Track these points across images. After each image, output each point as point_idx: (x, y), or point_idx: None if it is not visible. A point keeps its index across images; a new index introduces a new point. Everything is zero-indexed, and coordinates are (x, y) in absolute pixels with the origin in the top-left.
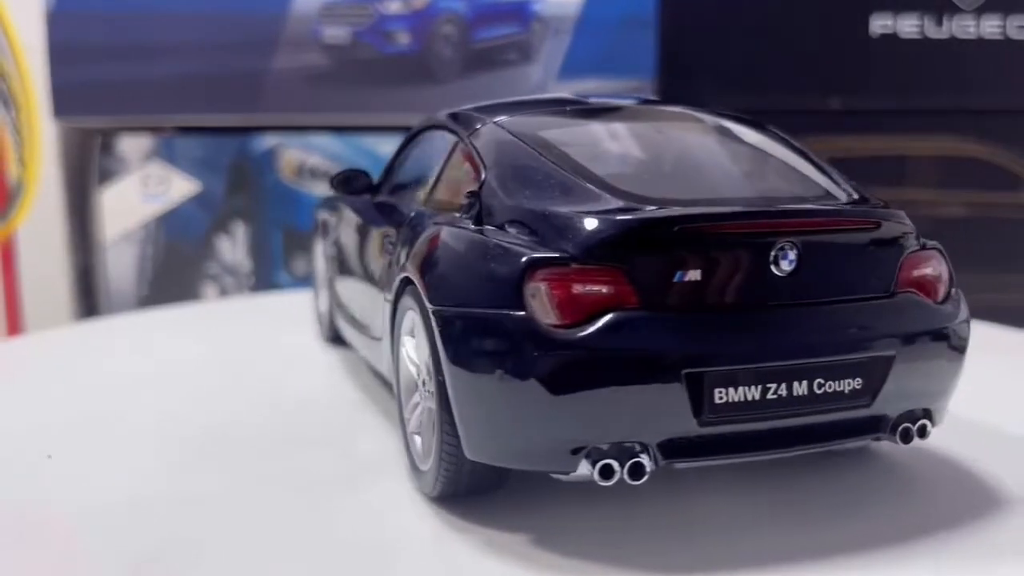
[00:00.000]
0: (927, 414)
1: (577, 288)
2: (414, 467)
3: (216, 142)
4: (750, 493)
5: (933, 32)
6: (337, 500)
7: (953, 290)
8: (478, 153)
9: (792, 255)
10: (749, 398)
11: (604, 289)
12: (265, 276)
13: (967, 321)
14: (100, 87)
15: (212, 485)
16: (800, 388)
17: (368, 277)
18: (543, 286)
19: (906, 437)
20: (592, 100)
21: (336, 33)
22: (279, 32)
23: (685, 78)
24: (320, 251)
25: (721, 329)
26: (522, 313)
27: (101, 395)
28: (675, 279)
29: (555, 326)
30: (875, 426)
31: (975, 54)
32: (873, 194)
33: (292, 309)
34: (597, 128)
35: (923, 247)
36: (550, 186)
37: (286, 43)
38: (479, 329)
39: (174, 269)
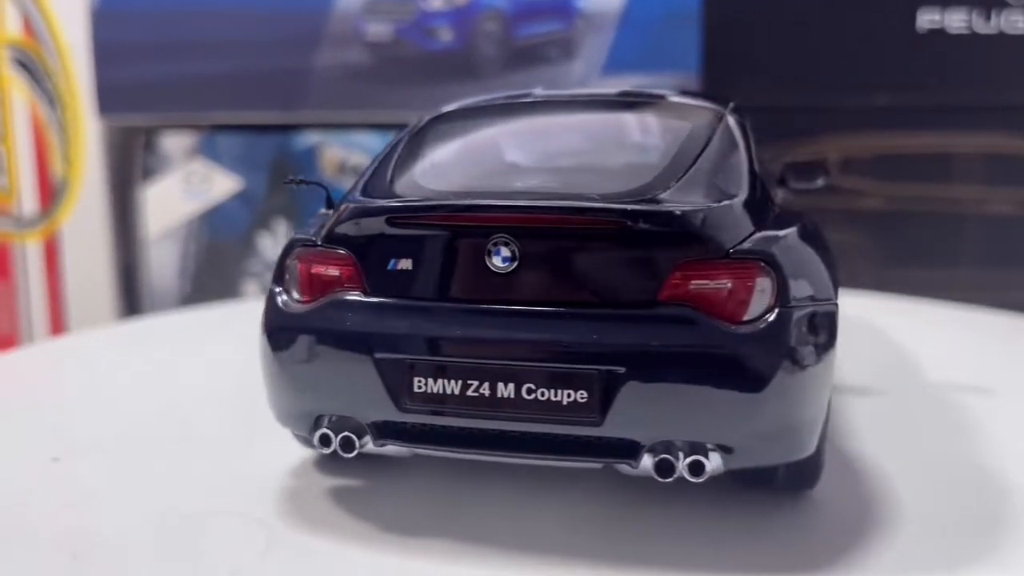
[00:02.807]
0: (702, 450)
1: (316, 269)
2: None
3: (258, 140)
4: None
5: (981, 27)
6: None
7: (772, 313)
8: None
9: (506, 251)
10: (449, 392)
11: (335, 271)
12: None
13: (781, 351)
14: (144, 85)
15: None
16: (506, 391)
17: None
18: (293, 264)
19: (663, 471)
20: (552, 95)
21: (378, 30)
22: (322, 29)
23: (729, 73)
24: None
25: (424, 319)
26: (280, 288)
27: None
28: (390, 267)
29: (298, 302)
30: (618, 451)
31: None
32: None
33: None
34: (505, 126)
35: (729, 257)
36: (364, 178)
37: (329, 40)
38: (267, 301)
39: (216, 267)
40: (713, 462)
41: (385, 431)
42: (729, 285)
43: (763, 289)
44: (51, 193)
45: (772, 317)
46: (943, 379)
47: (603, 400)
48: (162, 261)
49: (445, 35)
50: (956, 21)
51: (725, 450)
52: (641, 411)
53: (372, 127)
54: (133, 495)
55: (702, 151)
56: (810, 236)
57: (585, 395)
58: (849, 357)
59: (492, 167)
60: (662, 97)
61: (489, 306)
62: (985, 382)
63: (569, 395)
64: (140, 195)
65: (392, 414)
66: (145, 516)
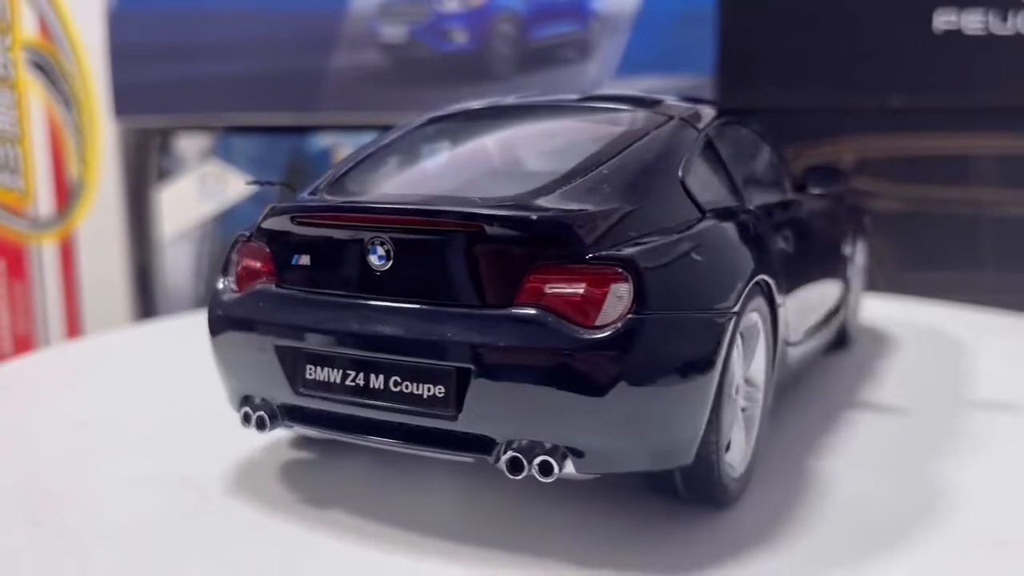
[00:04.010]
0: (554, 451)
1: (245, 262)
2: None
3: (272, 141)
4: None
5: (998, 28)
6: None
7: (625, 320)
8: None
9: (381, 250)
10: (331, 380)
11: (258, 264)
12: None
13: (629, 358)
14: (160, 87)
15: None
16: (376, 381)
17: None
18: (233, 257)
19: (514, 468)
20: (518, 102)
21: (393, 32)
22: (337, 31)
23: (744, 75)
24: None
25: (314, 311)
26: (222, 278)
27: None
28: (293, 262)
29: (232, 292)
30: (476, 446)
31: None
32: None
33: None
34: (459, 135)
35: (586, 262)
36: (322, 179)
37: (344, 42)
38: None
39: None
40: (564, 464)
41: (289, 413)
42: (582, 290)
43: (620, 295)
44: (67, 194)
45: (623, 323)
46: (987, 397)
47: (458, 396)
48: (177, 262)
49: (460, 37)
50: (973, 22)
51: (575, 453)
52: (492, 408)
53: (387, 129)
54: (107, 464)
55: (611, 159)
56: (719, 244)
57: (443, 390)
58: (895, 370)
59: (418, 174)
60: (624, 103)
61: (365, 301)
62: None
63: (428, 389)
64: (155, 196)
65: (291, 397)
66: (109, 482)
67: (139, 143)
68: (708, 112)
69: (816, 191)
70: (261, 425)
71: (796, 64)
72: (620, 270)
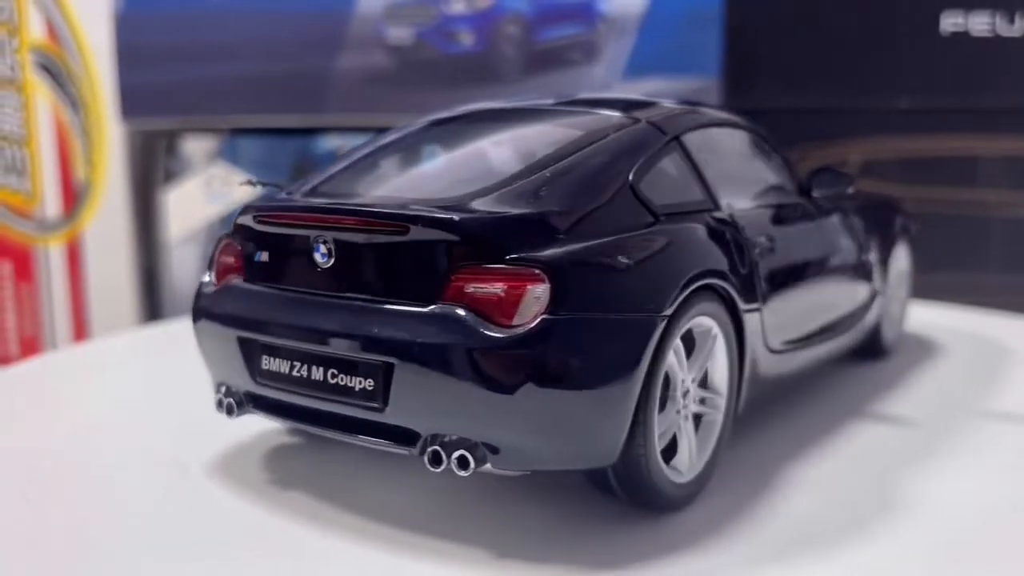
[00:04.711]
0: (471, 446)
1: (222, 258)
2: None
3: (279, 143)
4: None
5: (1005, 30)
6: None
7: (539, 320)
8: None
9: (323, 249)
10: (281, 371)
11: (231, 260)
12: None
13: (541, 357)
14: (167, 89)
15: None
16: (317, 373)
17: None
18: (215, 253)
19: (434, 462)
20: (498, 106)
21: (400, 33)
22: (343, 32)
23: (750, 76)
24: None
25: (270, 306)
26: (206, 272)
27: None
28: (256, 259)
29: (212, 285)
30: (404, 438)
31: None
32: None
33: None
34: (435, 140)
35: (506, 263)
36: (304, 181)
37: (350, 43)
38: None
39: None
40: (481, 460)
41: (252, 401)
42: (501, 290)
43: (538, 296)
44: (74, 196)
45: (536, 324)
46: (1010, 410)
47: (384, 389)
48: (184, 264)
49: (466, 39)
50: (980, 24)
51: (491, 449)
52: (413, 402)
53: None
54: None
55: (558, 162)
56: (657, 248)
57: (372, 383)
58: (921, 380)
59: (384, 178)
60: (604, 106)
61: (311, 297)
62: None
63: (360, 382)
64: (162, 198)
65: (252, 386)
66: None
67: (146, 145)
68: (690, 117)
69: (818, 194)
70: (230, 411)
71: (802, 66)
72: (538, 271)
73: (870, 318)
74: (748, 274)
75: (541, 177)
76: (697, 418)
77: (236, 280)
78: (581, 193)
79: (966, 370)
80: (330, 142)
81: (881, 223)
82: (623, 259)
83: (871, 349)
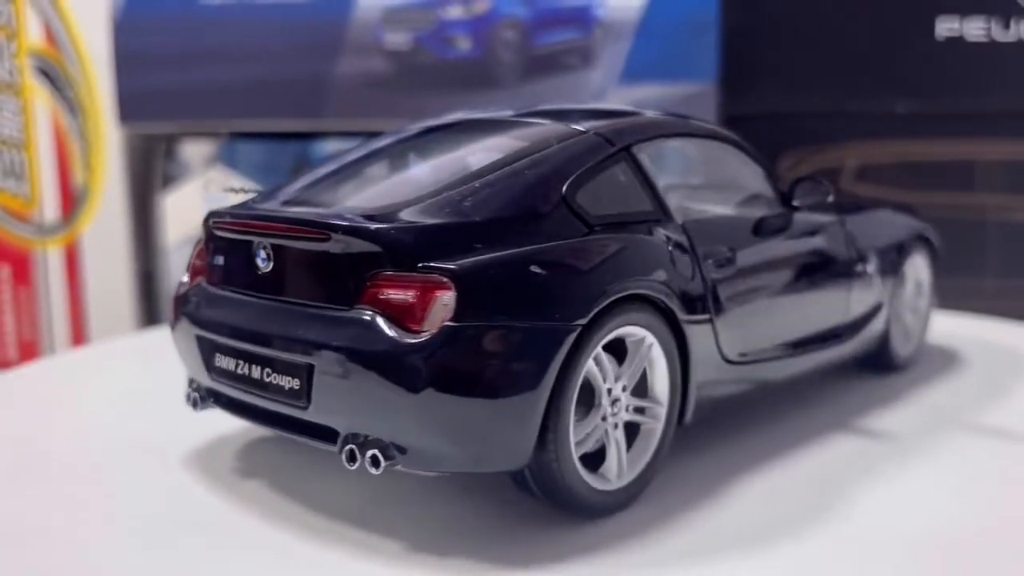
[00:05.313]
0: (383, 446)
1: (196, 261)
2: None
3: (277, 147)
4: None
5: (1000, 35)
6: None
7: (443, 326)
8: None
9: (263, 254)
10: (229, 368)
11: (200, 262)
12: None
13: (443, 362)
14: (165, 93)
15: None
16: (256, 372)
17: None
18: (192, 256)
19: (350, 459)
20: (462, 118)
21: (397, 38)
22: (341, 37)
23: (747, 81)
24: None
25: (221, 306)
26: (184, 274)
27: None
28: (214, 262)
29: (185, 286)
30: (327, 435)
31: None
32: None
33: None
34: (401, 150)
35: (417, 271)
36: (278, 187)
37: (348, 48)
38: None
39: None
40: (391, 459)
41: (211, 396)
42: (411, 296)
43: (446, 303)
44: (72, 200)
45: (440, 330)
46: (1004, 426)
47: (308, 388)
48: (182, 268)
49: (464, 44)
50: (975, 29)
51: (400, 449)
52: (332, 401)
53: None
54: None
55: (490, 173)
56: (578, 258)
57: (298, 383)
58: (920, 392)
59: (336, 187)
60: (561, 118)
61: (253, 300)
62: None
63: (288, 381)
64: (160, 202)
65: (209, 382)
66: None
67: (144, 149)
68: (647, 128)
69: (799, 204)
70: (195, 404)
71: (799, 70)
72: (446, 279)
73: (873, 330)
74: (696, 284)
75: (469, 188)
76: (636, 426)
77: (202, 282)
78: (507, 204)
79: (968, 384)
80: (328, 147)
81: (890, 232)
82: (536, 269)
83: (879, 362)
